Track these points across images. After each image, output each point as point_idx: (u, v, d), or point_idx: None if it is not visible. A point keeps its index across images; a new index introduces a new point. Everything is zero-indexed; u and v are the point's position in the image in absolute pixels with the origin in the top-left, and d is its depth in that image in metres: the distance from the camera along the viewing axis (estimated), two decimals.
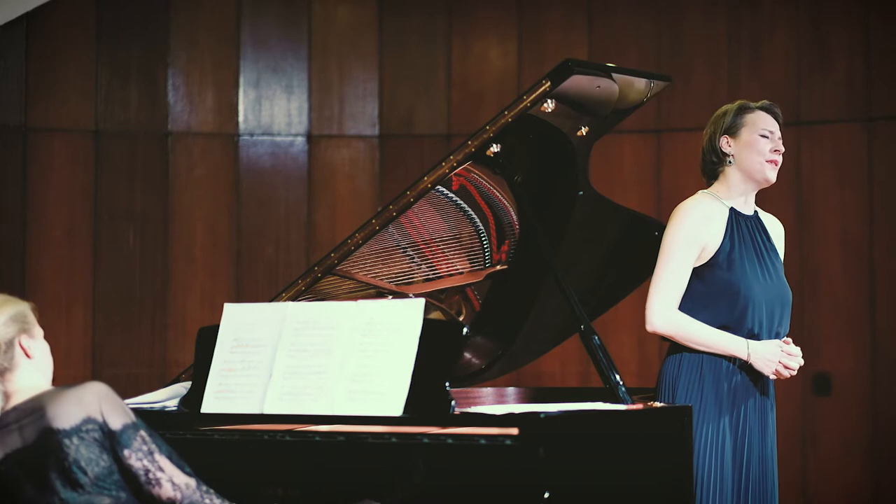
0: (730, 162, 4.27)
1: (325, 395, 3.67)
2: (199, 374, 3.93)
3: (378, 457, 3.52)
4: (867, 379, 7.27)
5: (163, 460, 3.17)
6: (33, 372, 3.26)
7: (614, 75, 4.29)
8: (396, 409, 3.55)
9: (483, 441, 3.40)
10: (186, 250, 7.71)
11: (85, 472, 3.12)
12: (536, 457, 3.33)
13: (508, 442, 3.36)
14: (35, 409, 3.18)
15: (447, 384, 3.55)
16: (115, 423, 3.16)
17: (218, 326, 3.93)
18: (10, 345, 3.23)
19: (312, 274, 4.35)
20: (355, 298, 4.25)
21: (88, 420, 3.14)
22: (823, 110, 7.42)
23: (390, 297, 4.48)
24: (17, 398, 3.20)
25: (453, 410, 3.52)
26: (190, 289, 7.69)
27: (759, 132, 4.27)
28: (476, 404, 4.72)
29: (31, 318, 3.30)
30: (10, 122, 7.52)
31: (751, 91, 7.17)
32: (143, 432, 3.18)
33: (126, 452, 3.15)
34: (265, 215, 7.83)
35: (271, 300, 4.29)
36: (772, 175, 4.27)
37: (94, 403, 3.15)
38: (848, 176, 7.37)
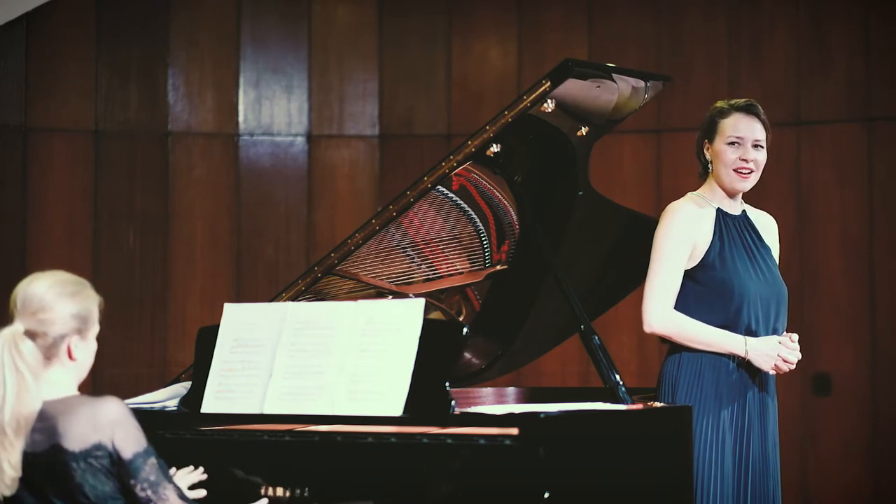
0: (709, 168, 4.27)
1: (325, 395, 3.67)
2: (199, 374, 3.93)
3: (378, 457, 3.52)
4: (867, 379, 7.27)
5: (167, 492, 3.13)
6: (67, 372, 3.16)
7: (614, 75, 4.29)
8: (396, 409, 3.55)
9: (483, 441, 3.40)
10: (186, 250, 7.71)
11: (87, 497, 3.08)
12: (536, 457, 3.33)
13: (508, 442, 3.36)
14: (50, 416, 3.10)
15: (447, 384, 3.55)
16: (127, 452, 3.09)
17: (218, 326, 3.93)
18: (59, 339, 3.14)
19: (312, 274, 4.35)
20: (355, 298, 4.25)
21: (99, 447, 3.08)
22: (823, 110, 7.42)
23: (390, 297, 4.48)
24: (21, 408, 3.09)
25: (453, 410, 3.52)
26: (190, 289, 7.69)
27: (727, 140, 4.22)
28: (476, 404, 4.72)
29: (93, 318, 3.19)
30: (10, 122, 7.52)
31: (751, 91, 7.17)
32: (152, 460, 3.12)
33: (132, 482, 3.09)
34: (265, 215, 7.83)
35: (271, 300, 4.29)
36: (739, 185, 4.23)
37: (107, 429, 3.08)
38: (848, 176, 7.37)
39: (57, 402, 3.13)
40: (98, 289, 3.24)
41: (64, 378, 3.17)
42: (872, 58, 7.35)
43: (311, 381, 3.71)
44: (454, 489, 3.40)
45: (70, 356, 3.16)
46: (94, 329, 3.21)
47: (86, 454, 3.08)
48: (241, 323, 3.90)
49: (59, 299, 3.14)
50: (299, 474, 3.59)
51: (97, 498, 3.09)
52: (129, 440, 3.10)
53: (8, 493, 3.07)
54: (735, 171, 4.21)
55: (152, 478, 3.11)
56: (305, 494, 3.57)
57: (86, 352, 3.20)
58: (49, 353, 3.14)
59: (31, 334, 3.11)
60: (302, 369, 3.73)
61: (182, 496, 3.15)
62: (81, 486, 3.07)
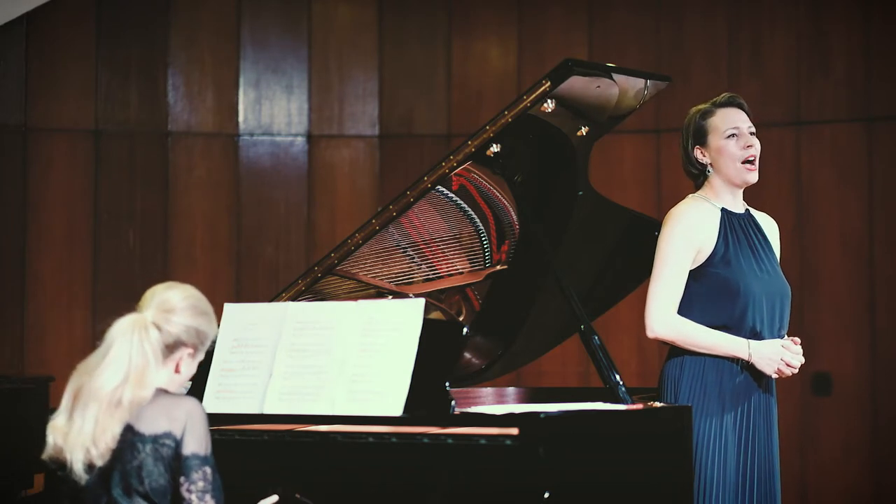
0: (708, 171, 4.25)
1: (325, 395, 3.67)
2: (199, 374, 3.92)
3: (378, 457, 3.52)
4: (867, 379, 7.27)
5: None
6: (169, 380, 3.22)
7: (614, 75, 4.29)
8: (396, 409, 3.55)
9: (483, 441, 3.40)
10: (186, 250, 7.71)
11: (142, 482, 3.12)
12: (536, 457, 3.33)
13: (508, 442, 3.36)
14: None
15: (447, 384, 3.55)
16: (187, 448, 3.14)
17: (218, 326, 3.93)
18: (178, 344, 3.22)
19: (312, 274, 4.35)
20: (355, 298, 4.25)
21: (168, 435, 3.14)
22: (823, 110, 7.42)
23: (390, 297, 4.48)
24: (138, 390, 3.16)
25: (453, 410, 3.52)
26: None
27: (725, 134, 4.22)
28: (476, 404, 4.72)
29: (205, 345, 3.27)
30: (10, 122, 7.52)
31: (751, 91, 7.17)
32: (207, 469, 3.15)
33: (181, 479, 3.13)
34: (265, 215, 7.83)
35: (271, 300, 4.29)
36: (750, 177, 4.22)
37: (180, 421, 3.14)
38: (848, 176, 7.37)
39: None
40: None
41: (164, 383, 3.22)
42: (872, 58, 7.35)
43: (311, 380, 3.71)
44: (454, 489, 3.40)
45: (177, 368, 3.24)
46: (200, 357, 3.29)
47: (154, 438, 3.13)
48: (241, 323, 3.90)
49: (190, 310, 3.23)
50: (299, 474, 3.59)
51: (150, 488, 3.12)
52: (195, 439, 3.15)
53: (100, 462, 3.13)
54: (743, 162, 4.21)
55: (200, 484, 3.13)
56: (305, 495, 3.57)
57: (188, 370, 3.27)
58: (166, 353, 3.22)
59: (156, 326, 3.20)
60: (302, 369, 3.73)
61: None
62: (141, 469, 3.12)
